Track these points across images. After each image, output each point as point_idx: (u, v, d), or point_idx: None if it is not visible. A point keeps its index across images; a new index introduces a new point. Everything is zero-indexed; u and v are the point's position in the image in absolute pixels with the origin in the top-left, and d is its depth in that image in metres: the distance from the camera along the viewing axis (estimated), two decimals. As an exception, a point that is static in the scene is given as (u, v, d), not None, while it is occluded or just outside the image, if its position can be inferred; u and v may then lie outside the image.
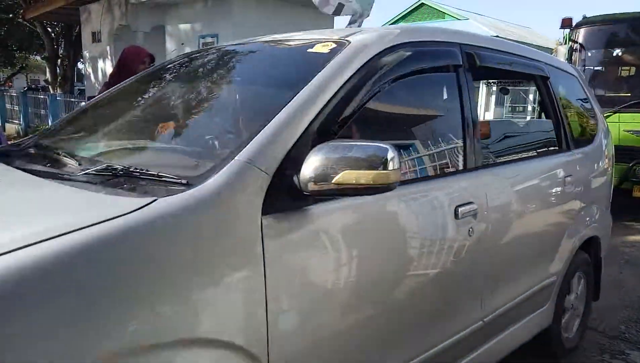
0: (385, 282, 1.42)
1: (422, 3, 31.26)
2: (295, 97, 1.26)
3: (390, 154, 1.13)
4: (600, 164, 2.75)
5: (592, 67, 6.21)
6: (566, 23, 6.20)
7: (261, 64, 1.85)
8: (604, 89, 6.10)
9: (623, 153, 5.33)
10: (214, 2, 7.01)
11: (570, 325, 2.62)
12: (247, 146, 1.14)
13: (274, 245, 1.11)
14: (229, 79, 1.81)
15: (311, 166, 1.12)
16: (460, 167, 1.74)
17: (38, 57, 24.56)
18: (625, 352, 2.66)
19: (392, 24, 32.75)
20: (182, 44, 6.31)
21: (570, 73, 2.80)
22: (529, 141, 2.42)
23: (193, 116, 1.65)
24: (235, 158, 1.12)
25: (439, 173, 1.66)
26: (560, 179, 2.27)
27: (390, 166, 1.12)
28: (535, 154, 2.30)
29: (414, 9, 31.94)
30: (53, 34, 14.74)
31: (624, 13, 6.12)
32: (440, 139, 1.70)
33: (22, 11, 12.93)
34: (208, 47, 2.50)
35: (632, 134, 5.62)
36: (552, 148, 2.41)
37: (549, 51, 12.53)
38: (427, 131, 1.73)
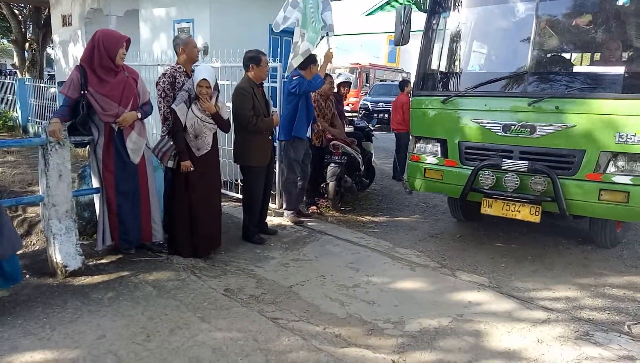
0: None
1: (400, -7, 31.27)
2: None
3: None
4: None
5: (458, 38, 4.45)
6: None
7: None
8: (478, 65, 4.53)
9: (470, 152, 4.05)
10: (190, -13, 6.87)
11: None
12: None
13: None
14: None
15: None
16: None
17: (4, 41, 23.65)
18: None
19: (369, 14, 32.70)
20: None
21: None
22: None
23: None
24: None
25: None
26: None
27: None
28: None
29: (391, -1, 31.94)
30: (20, 17, 14.20)
31: None
32: None
33: (-13, -8, 12.42)
34: None
35: (482, 126, 3.94)
36: None
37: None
38: None
